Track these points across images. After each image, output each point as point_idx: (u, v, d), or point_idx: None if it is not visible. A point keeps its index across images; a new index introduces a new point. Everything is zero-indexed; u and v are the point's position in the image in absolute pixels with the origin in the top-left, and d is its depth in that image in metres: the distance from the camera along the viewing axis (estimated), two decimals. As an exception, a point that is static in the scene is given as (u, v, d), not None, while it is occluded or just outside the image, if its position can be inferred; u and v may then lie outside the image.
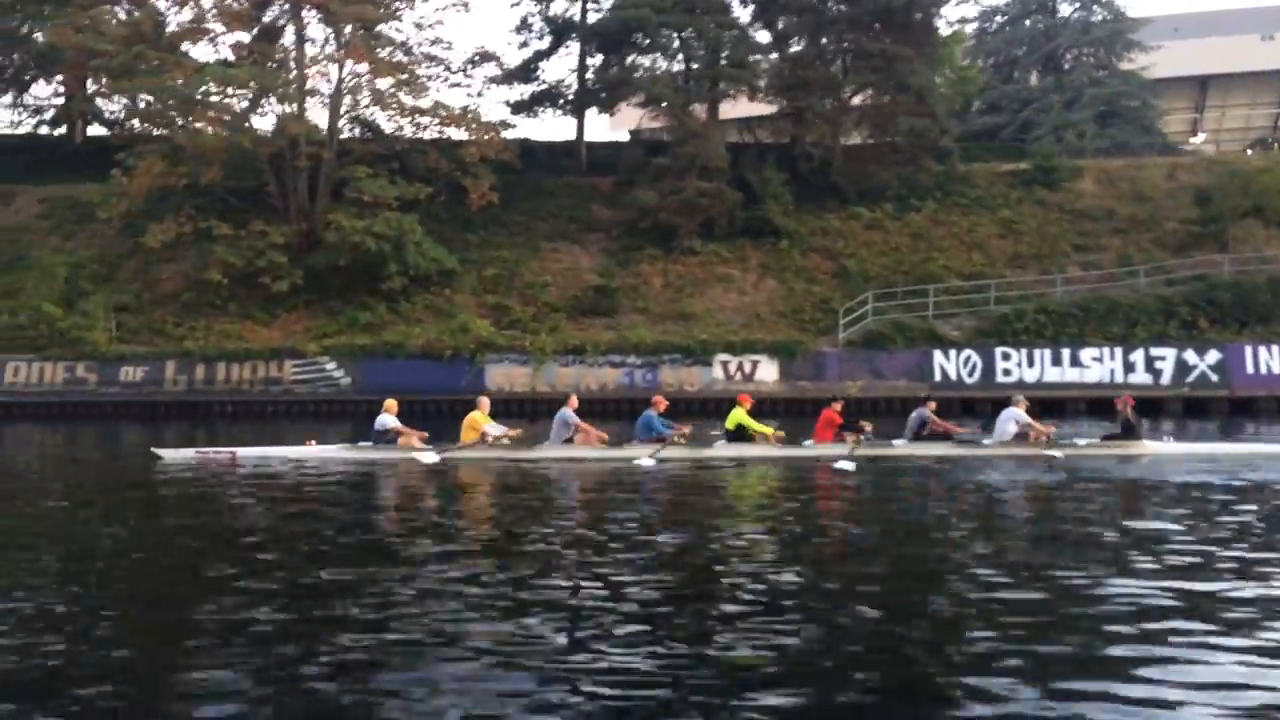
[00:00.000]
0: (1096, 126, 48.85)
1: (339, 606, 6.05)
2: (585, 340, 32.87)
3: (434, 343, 32.79)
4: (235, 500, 11.23)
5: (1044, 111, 51.07)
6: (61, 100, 47.65)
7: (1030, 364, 31.06)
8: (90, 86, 46.20)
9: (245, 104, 35.73)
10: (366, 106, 36.08)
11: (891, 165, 37.46)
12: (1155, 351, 30.82)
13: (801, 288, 35.41)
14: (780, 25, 38.04)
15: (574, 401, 16.01)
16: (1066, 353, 31.06)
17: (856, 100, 38.11)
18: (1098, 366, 30.85)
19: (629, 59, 38.72)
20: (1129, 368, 30.74)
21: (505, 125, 38.25)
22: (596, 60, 41.47)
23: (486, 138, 35.94)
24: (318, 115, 38.26)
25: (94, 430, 26.73)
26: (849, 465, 13.41)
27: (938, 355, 31.48)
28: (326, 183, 36.57)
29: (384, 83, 35.56)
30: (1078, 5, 56.29)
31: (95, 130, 48.28)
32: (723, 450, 15.37)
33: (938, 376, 31.26)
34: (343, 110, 35.93)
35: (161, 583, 6.99)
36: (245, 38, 38.19)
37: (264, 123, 38.08)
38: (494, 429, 15.39)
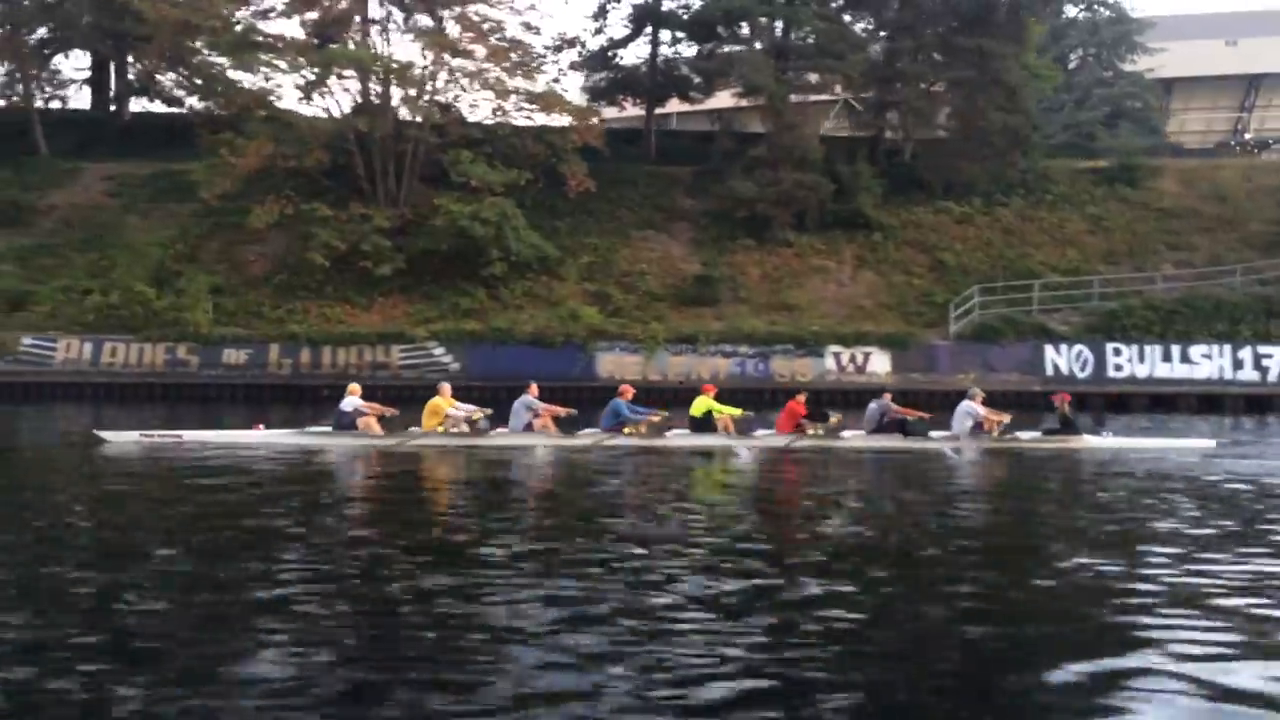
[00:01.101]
0: (1103, 127, 49.74)
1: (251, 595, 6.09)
2: (693, 330, 32.92)
3: (544, 330, 32.68)
4: (163, 485, 11.24)
5: (1055, 111, 51.74)
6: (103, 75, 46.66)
7: (1141, 360, 31.55)
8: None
9: (355, 85, 35.18)
10: (467, 91, 35.58)
11: (980, 160, 37.74)
12: (1263, 350, 31.40)
13: (900, 280, 35.66)
14: (874, 17, 38.15)
15: (534, 389, 16.38)
16: (1176, 349, 31.57)
17: (947, 94, 38.28)
18: (1207, 363, 31.39)
19: (723, 47, 38.59)
20: (1237, 365, 31.31)
21: (595, 112, 38.06)
22: (679, 48, 41.43)
23: (586, 124, 35.68)
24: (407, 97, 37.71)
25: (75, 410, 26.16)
26: (745, 454, 14.65)
27: (1049, 350, 31.88)
28: (419, 166, 36.20)
29: (481, 66, 35.14)
30: (1082, 5, 57.06)
31: (137, 106, 47.52)
32: (679, 439, 15.76)
33: (1049, 371, 31.67)
34: (440, 94, 35.46)
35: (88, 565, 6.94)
36: (312, 16, 37.75)
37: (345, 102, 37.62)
38: (458, 411, 15.62)
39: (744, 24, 37.28)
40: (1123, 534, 8.24)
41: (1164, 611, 5.58)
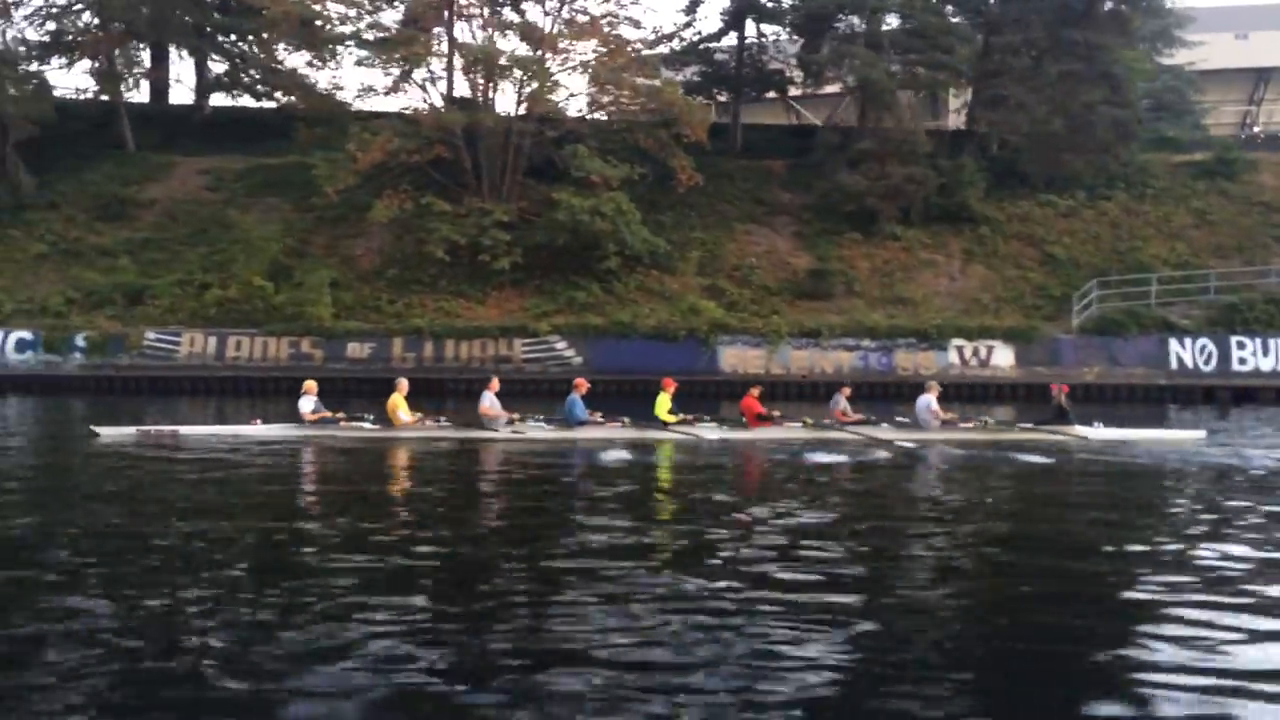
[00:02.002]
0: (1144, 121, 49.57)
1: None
2: (810, 323, 33.05)
3: (665, 323, 32.83)
4: (165, 478, 11.59)
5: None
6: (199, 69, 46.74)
7: (1265, 353, 31.68)
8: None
9: (476, 79, 35.23)
10: (579, 86, 35.59)
11: (1085, 153, 37.81)
12: (1388, 344, 31.56)
13: (1013, 274, 35.77)
14: (978, 11, 38.18)
15: (495, 384, 16.69)
16: (1302, 343, 31.73)
17: (1051, 87, 38.28)
18: (1332, 358, 31.54)
19: (824, 42, 38.62)
20: (1363, 359, 31.47)
21: (704, 107, 38.10)
22: (775, 42, 41.40)
23: (695, 119, 35.74)
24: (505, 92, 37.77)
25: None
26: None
27: (1173, 343, 32.01)
28: (522, 161, 36.28)
29: (593, 60, 35.19)
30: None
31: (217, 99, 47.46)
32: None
33: (1174, 364, 31.81)
34: (554, 89, 35.47)
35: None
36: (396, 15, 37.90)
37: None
38: (405, 416, 15.86)
39: (852, 17, 37.25)
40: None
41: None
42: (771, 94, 43.79)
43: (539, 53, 33.72)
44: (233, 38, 45.49)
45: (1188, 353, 31.89)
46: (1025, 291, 34.98)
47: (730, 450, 15.11)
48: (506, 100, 36.15)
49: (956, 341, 32.40)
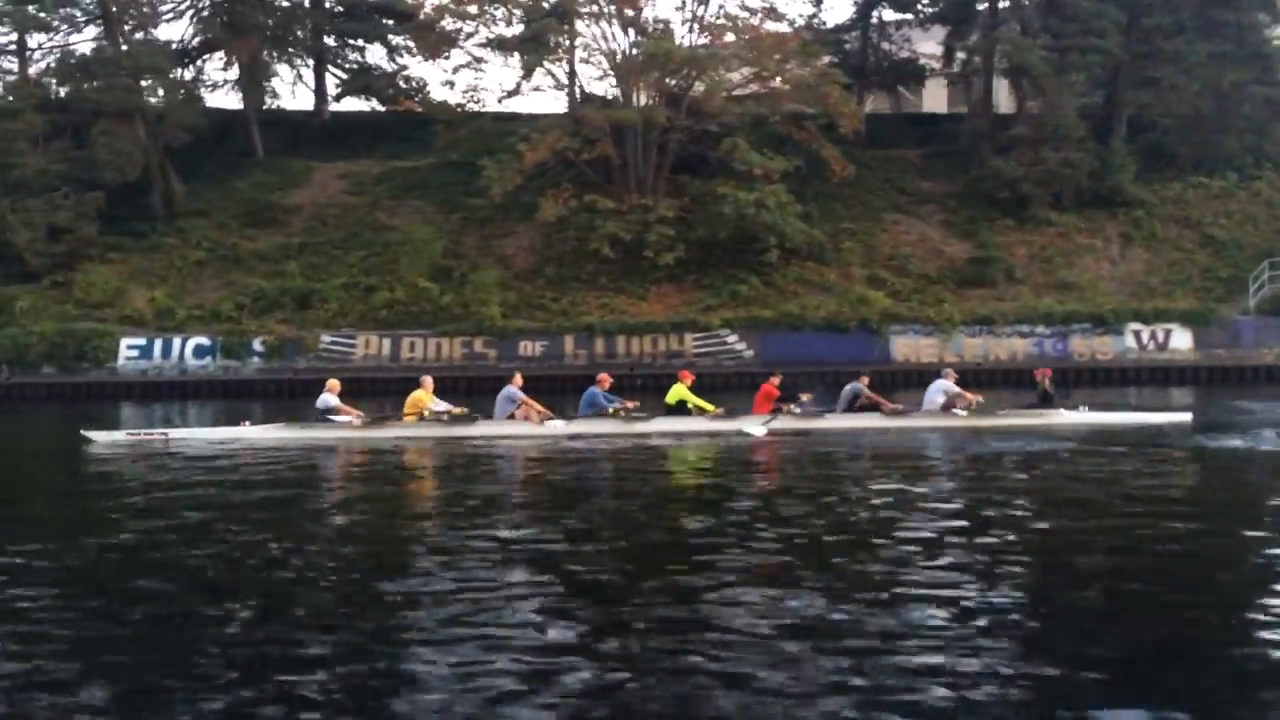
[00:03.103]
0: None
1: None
2: (986, 311, 32.99)
3: (835, 315, 32.87)
4: (162, 485, 11.38)
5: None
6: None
7: None
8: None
9: (631, 76, 35.38)
10: (737, 78, 35.64)
11: (1236, 133, 37.47)
12: None
13: (1177, 257, 35.53)
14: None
15: (518, 379, 16.42)
16: None
17: (1200, 67, 37.95)
18: None
19: (979, 30, 38.50)
20: None
21: (854, 98, 38.03)
22: (906, 30, 41.25)
23: (849, 110, 35.74)
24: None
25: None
26: (760, 430, 14.78)
27: (1357, 323, 31.74)
28: (669, 156, 36.39)
29: (747, 53, 35.20)
30: None
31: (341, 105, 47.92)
32: (658, 424, 15.83)
33: (1358, 344, 31.52)
34: (714, 82, 35.50)
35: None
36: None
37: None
38: (438, 405, 15.69)
39: (1000, 2, 37.09)
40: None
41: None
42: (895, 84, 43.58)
43: (707, 48, 33.75)
44: (360, 43, 45.81)
45: (1372, 332, 31.58)
46: (1193, 274, 34.75)
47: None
48: (646, 96, 35.61)
49: (1133, 326, 32.26)
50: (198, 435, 15.59)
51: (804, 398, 16.58)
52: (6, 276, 35.37)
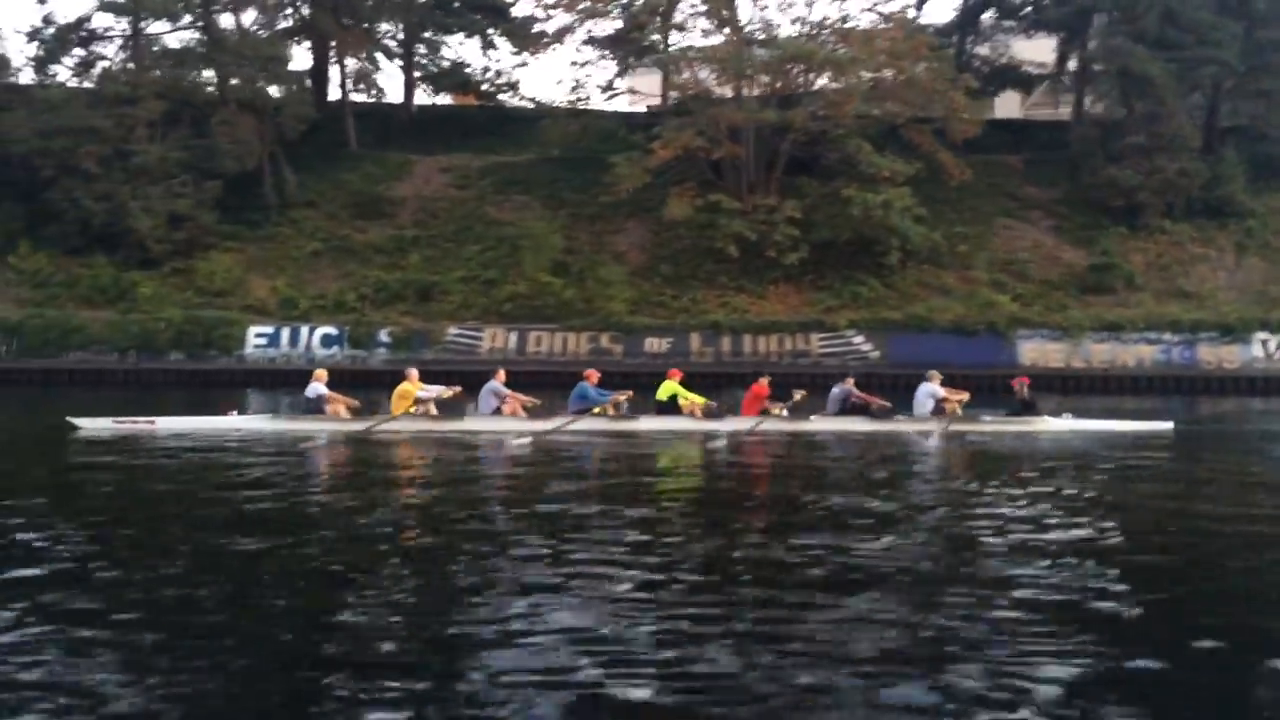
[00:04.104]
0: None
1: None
2: (1113, 318, 33.13)
3: (963, 318, 32.99)
4: (145, 473, 11.26)
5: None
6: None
7: None
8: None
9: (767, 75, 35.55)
10: (856, 80, 35.73)
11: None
12: None
13: (1295, 266, 35.75)
14: (1245, 5, 38.07)
15: (501, 375, 16.20)
16: None
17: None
18: None
19: (1096, 39, 38.67)
20: None
21: (973, 104, 38.06)
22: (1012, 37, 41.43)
23: (969, 115, 35.90)
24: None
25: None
26: (721, 443, 14.04)
27: None
28: (783, 158, 36.52)
29: (889, 55, 35.17)
30: None
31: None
32: (646, 423, 15.54)
33: None
34: (842, 82, 35.61)
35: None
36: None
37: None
38: (427, 392, 15.33)
39: (1120, 15, 37.26)
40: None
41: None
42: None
43: (843, 49, 33.90)
44: (447, 38, 45.87)
45: None
46: (1315, 283, 34.94)
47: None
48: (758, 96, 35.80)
49: (1260, 335, 32.38)
50: (184, 424, 15.09)
51: (798, 395, 16.35)
52: (126, 263, 35.45)
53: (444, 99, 49.47)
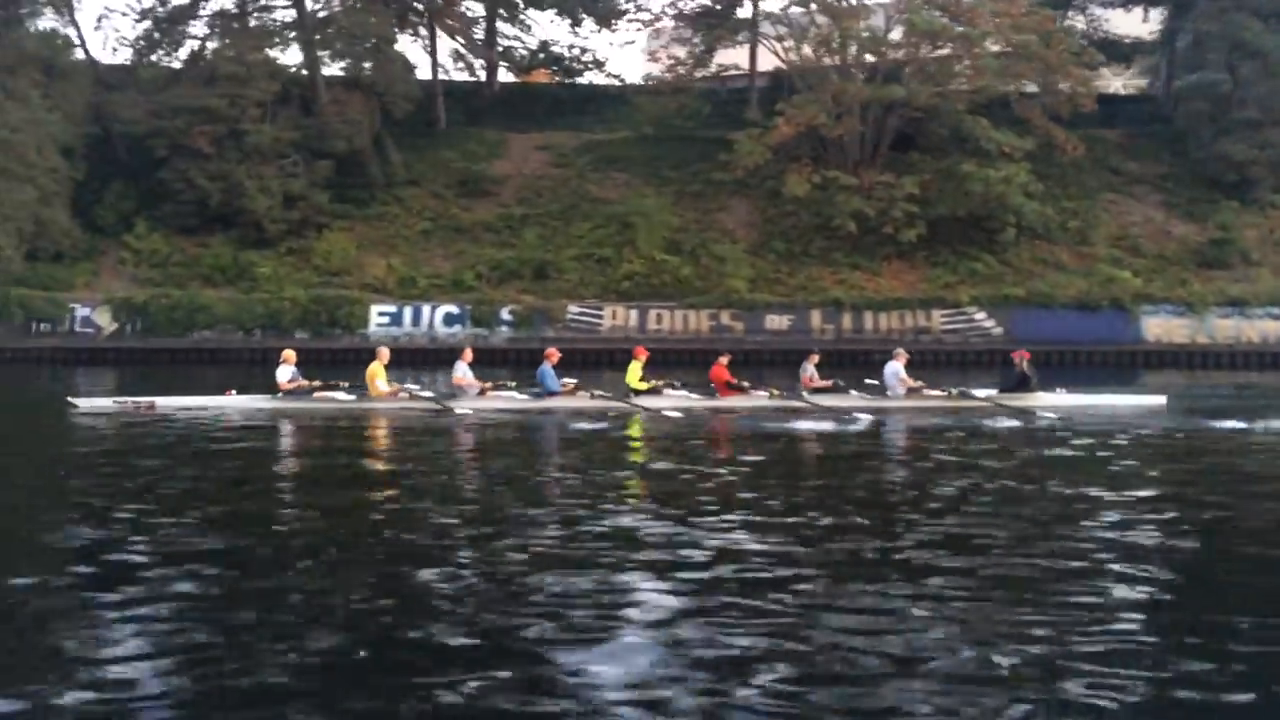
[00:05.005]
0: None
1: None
2: (1237, 293, 33.05)
3: (1085, 294, 32.94)
4: (147, 450, 11.35)
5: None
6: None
7: None
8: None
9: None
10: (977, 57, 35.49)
11: None
12: None
13: None
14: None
15: (468, 354, 16.13)
16: None
17: None
18: None
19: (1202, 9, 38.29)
20: None
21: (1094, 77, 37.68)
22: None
23: (1086, 90, 35.68)
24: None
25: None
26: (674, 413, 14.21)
27: None
28: (889, 134, 36.41)
29: (985, 32, 35.03)
30: None
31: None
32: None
33: None
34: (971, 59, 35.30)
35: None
36: None
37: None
38: (384, 385, 15.20)
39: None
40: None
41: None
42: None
43: (970, 26, 33.69)
44: (549, 14, 45.67)
45: None
46: None
47: (697, 420, 14.59)
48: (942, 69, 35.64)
49: (1383, 309, 32.27)
50: (183, 403, 15.19)
51: (775, 392, 16.02)
52: (241, 242, 35.64)
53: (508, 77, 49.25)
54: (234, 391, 15.32)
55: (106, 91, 37.54)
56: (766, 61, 42.17)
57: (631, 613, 5.04)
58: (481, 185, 39.48)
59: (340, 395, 15.04)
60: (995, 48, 34.45)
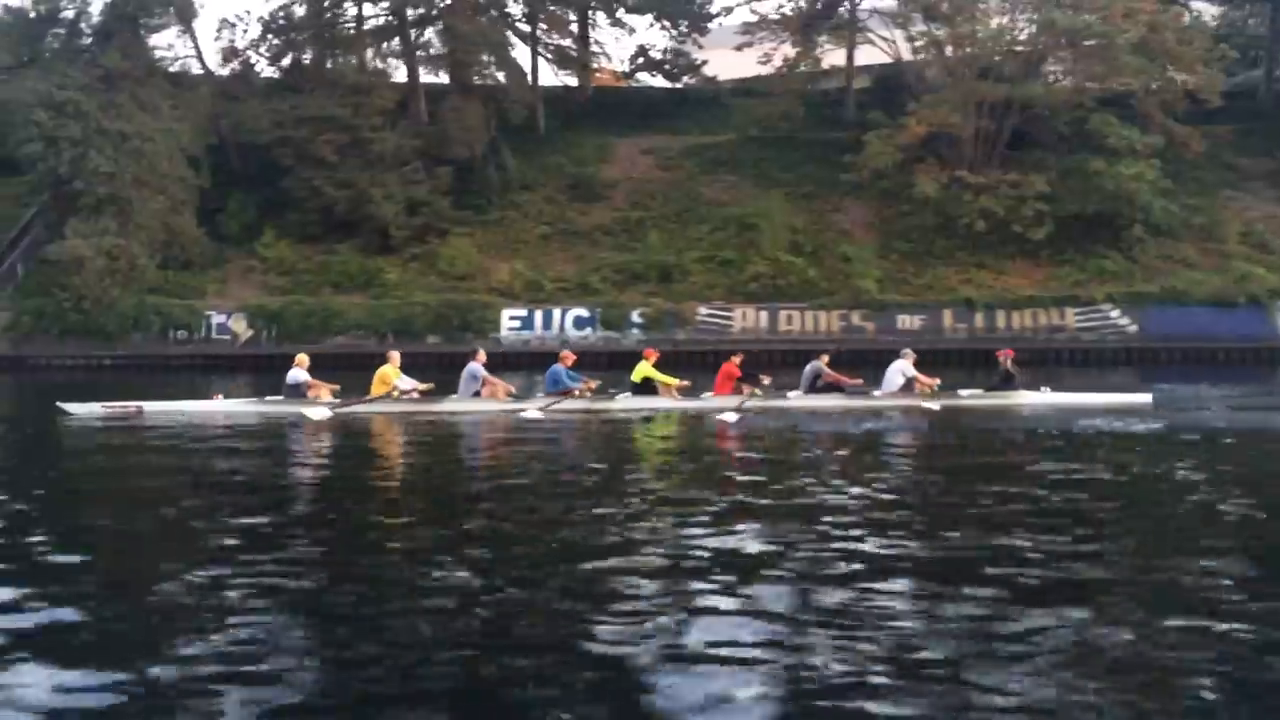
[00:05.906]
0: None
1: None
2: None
3: (1221, 290, 32.65)
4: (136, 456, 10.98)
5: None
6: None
7: None
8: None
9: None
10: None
11: None
12: None
13: None
14: None
15: (481, 356, 15.64)
16: None
17: None
18: None
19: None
20: None
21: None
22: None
23: (1210, 85, 35.42)
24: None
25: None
26: (732, 416, 13.59)
27: None
28: (1006, 132, 36.25)
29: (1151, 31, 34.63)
30: None
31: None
32: (623, 403, 15.05)
33: None
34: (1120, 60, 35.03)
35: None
36: None
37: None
38: (405, 383, 14.92)
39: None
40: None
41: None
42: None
43: (1105, 23, 33.49)
44: (647, 18, 45.84)
45: None
46: None
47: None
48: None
49: None
50: (172, 408, 14.99)
51: (765, 380, 15.71)
52: (367, 249, 35.95)
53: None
54: (220, 396, 15.68)
55: (225, 101, 38.02)
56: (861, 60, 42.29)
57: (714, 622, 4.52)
58: (593, 189, 39.65)
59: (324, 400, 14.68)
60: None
